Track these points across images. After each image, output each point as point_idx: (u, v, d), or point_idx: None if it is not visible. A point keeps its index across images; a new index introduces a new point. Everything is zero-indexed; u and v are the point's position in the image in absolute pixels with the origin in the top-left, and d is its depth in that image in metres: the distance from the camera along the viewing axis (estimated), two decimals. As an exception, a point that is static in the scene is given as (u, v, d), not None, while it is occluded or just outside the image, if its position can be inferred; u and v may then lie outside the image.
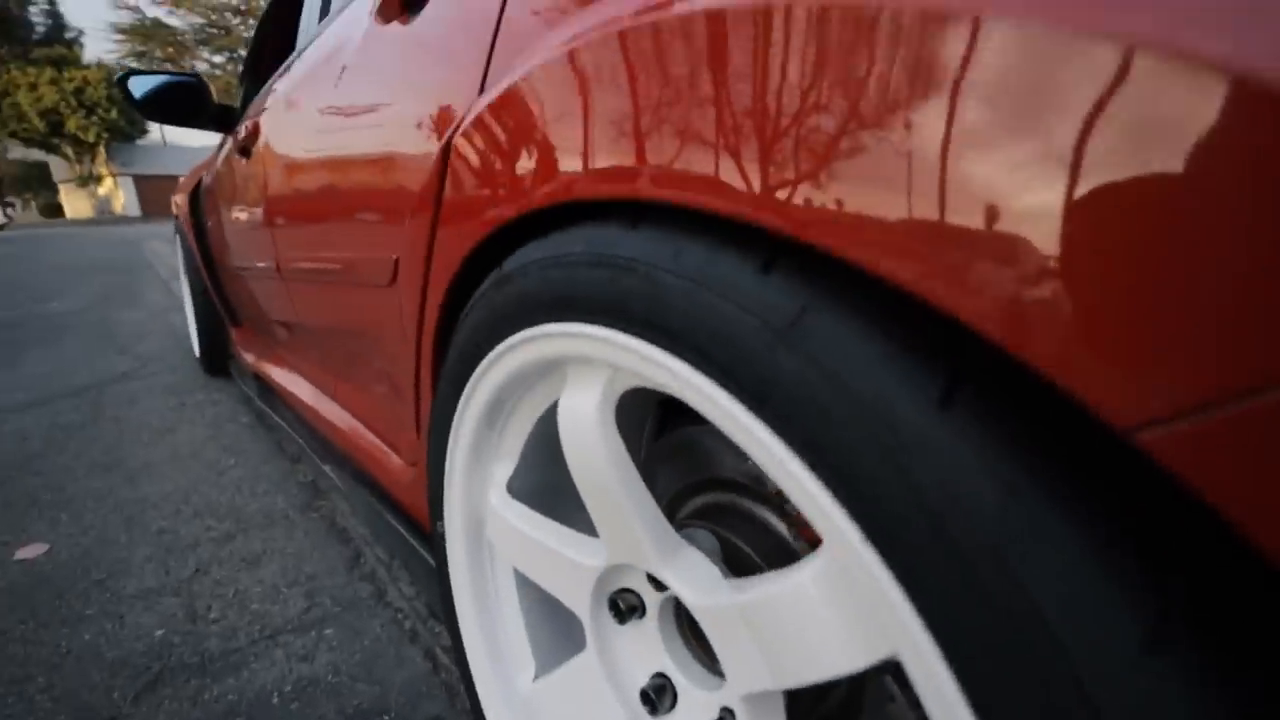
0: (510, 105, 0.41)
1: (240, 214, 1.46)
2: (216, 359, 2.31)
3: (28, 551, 1.16)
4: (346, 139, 0.78)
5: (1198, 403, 0.16)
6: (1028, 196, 0.18)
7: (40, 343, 2.99)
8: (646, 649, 0.47)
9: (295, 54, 1.17)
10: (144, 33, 18.44)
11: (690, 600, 0.37)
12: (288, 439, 1.67)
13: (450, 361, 0.50)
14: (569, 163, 0.37)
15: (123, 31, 19.63)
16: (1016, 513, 0.20)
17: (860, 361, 0.24)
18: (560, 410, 0.41)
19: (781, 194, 0.25)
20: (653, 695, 0.44)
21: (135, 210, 27.09)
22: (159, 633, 0.93)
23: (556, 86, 0.38)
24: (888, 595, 0.23)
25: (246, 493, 1.39)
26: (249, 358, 1.83)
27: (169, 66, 19.04)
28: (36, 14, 26.61)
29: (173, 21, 17.16)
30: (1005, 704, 0.21)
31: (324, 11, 1.13)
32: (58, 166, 28.42)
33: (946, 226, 0.20)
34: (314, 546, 1.16)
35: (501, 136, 0.42)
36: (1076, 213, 0.18)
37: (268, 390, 1.70)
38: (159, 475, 1.48)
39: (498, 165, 0.43)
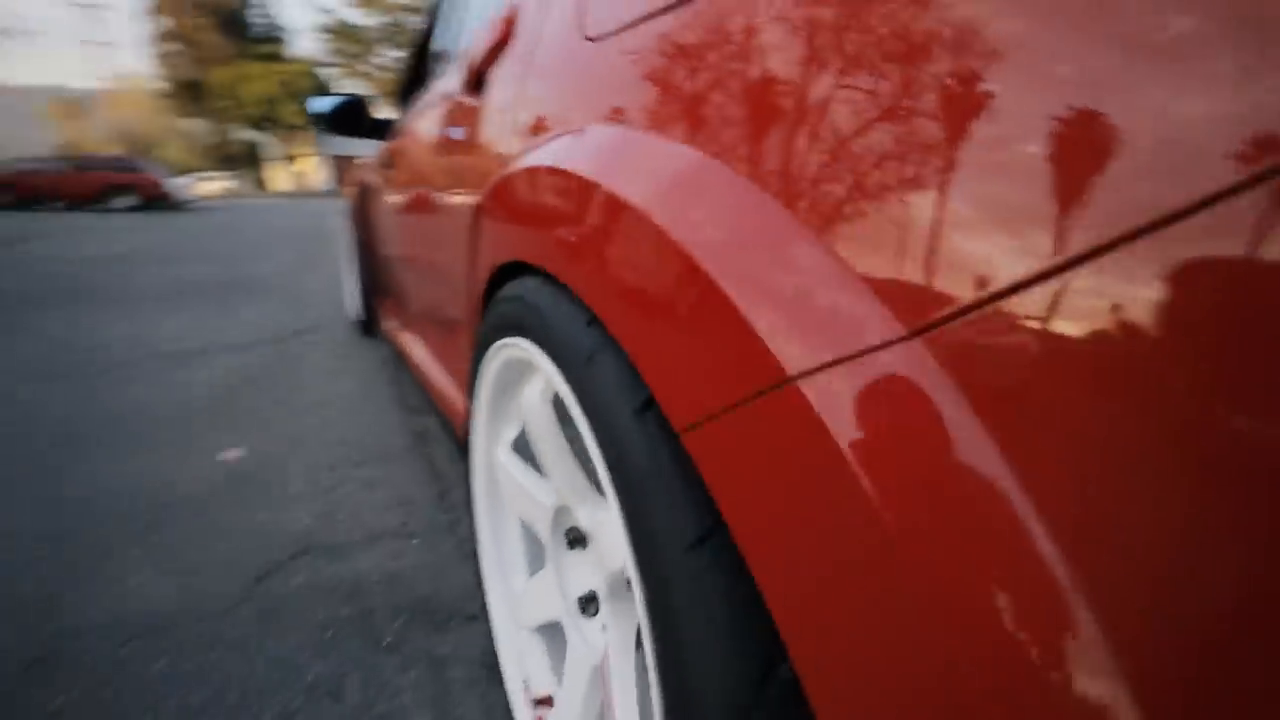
0: (502, 190, 0.62)
1: (382, 210, 1.82)
2: (369, 324, 2.81)
3: (229, 455, 1.60)
4: (439, 176, 1.04)
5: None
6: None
7: (250, 299, 3.75)
8: (585, 571, 0.66)
9: (423, 90, 1.46)
10: (335, 32, 21.31)
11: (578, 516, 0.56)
12: (409, 394, 2.05)
13: (475, 349, 0.73)
14: (515, 235, 0.57)
15: (321, 31, 22.82)
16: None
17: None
18: (524, 396, 0.62)
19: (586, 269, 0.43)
20: (584, 603, 0.64)
21: (327, 185, 31.29)
22: (305, 523, 1.28)
23: (517, 190, 0.58)
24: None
25: (375, 433, 1.76)
26: (390, 324, 2.25)
27: (354, 63, 21.83)
28: (256, 16, 31.46)
29: (360, 21, 19.66)
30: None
31: (446, 58, 1.41)
32: (269, 146, 33.53)
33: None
34: (415, 481, 1.48)
35: (499, 207, 0.63)
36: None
37: (400, 353, 2.09)
38: (318, 411, 1.91)
39: (495, 226, 0.64)
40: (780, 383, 0.28)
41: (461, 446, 1.19)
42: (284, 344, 2.72)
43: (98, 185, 13.49)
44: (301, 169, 33.16)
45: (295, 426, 1.80)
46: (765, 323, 0.29)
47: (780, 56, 0.33)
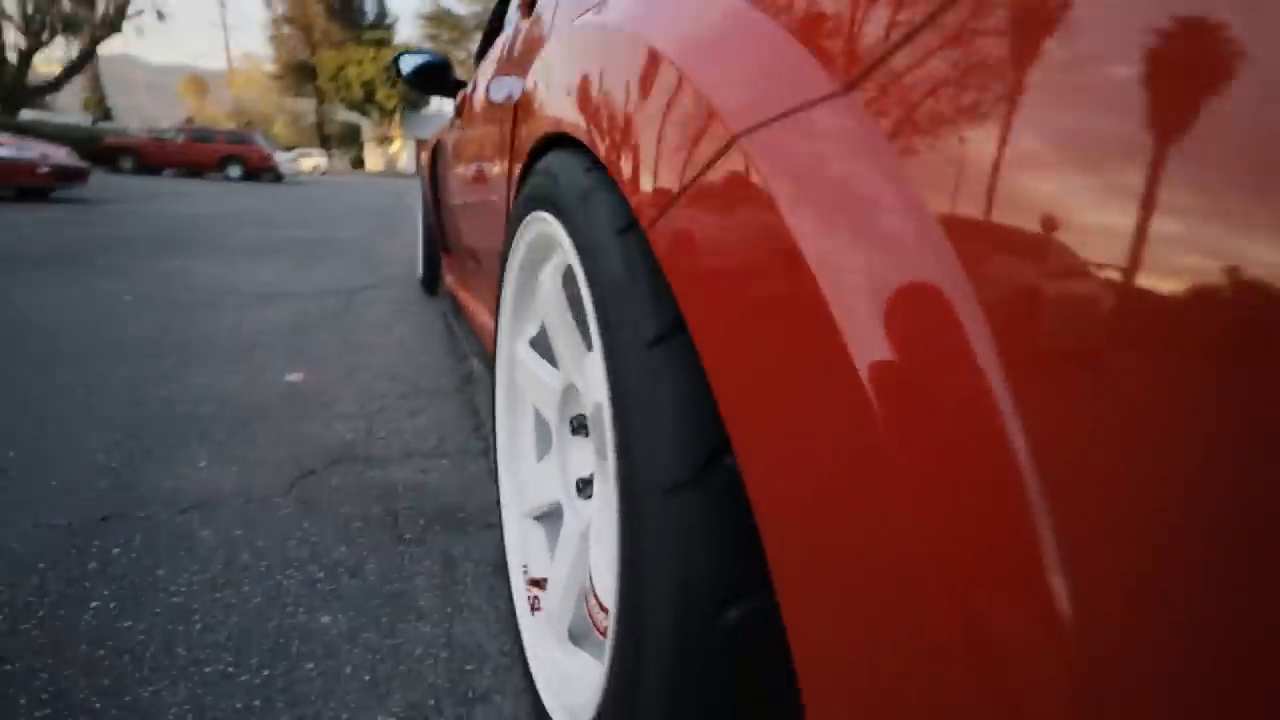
0: (528, 100, 0.65)
1: (453, 162, 1.91)
2: (431, 282, 2.95)
3: (294, 377, 1.72)
4: (490, 105, 1.08)
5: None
6: None
7: (329, 258, 4.01)
8: (585, 455, 0.68)
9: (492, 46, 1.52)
10: (436, 19, 22.40)
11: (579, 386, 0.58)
12: (460, 344, 2.14)
13: (505, 239, 0.76)
14: (542, 113, 0.59)
15: (423, 18, 24.01)
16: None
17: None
18: (541, 279, 0.64)
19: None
20: (581, 485, 0.66)
21: (411, 168, 32.93)
22: (349, 436, 1.37)
23: (554, 72, 0.60)
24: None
25: (425, 373, 1.85)
26: (449, 279, 2.35)
27: (451, 49, 22.86)
28: (368, 2, 33.44)
29: (458, 9, 20.65)
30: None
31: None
32: (365, 128, 35.57)
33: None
34: (455, 415, 1.55)
35: (532, 93, 0.66)
36: None
37: (457, 305, 2.18)
38: (377, 351, 2.02)
39: (528, 112, 0.67)
40: (726, 144, 0.29)
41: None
42: (354, 295, 2.89)
43: (212, 156, 14.78)
44: (393, 151, 34.96)
45: (353, 359, 1.91)
46: (716, 93, 0.30)
47: None
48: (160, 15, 24.21)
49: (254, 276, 3.17)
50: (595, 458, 0.60)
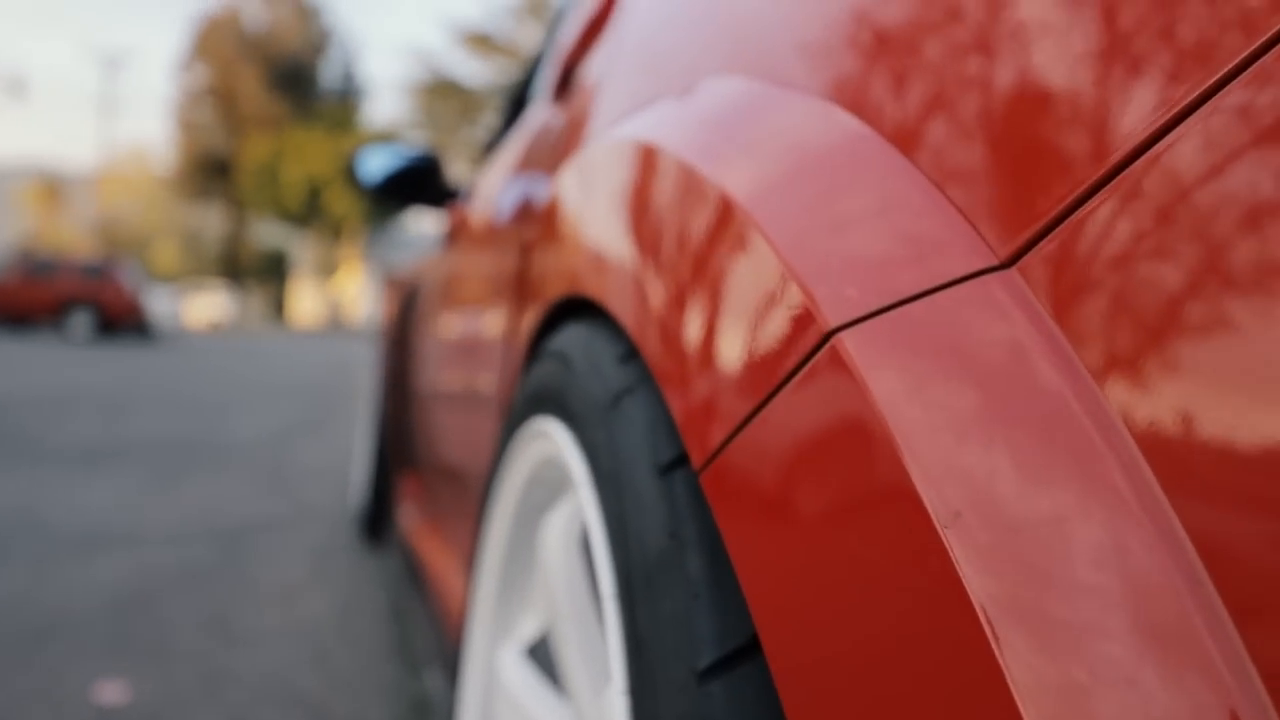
0: (543, 228, 0.76)
1: (431, 320, 2.11)
2: (376, 520, 3.11)
3: (111, 692, 1.79)
4: (491, 228, 1.24)
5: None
6: None
7: (208, 469, 4.32)
8: None
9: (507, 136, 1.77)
10: (435, 91, 26.07)
11: None
12: (411, 636, 2.18)
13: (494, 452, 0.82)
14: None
15: (416, 90, 27.93)
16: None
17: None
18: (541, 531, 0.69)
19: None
20: None
21: (369, 317, 36.13)
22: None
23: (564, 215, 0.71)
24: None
25: (345, 693, 1.87)
26: (407, 518, 2.46)
27: (457, 130, 26.21)
28: (329, 69, 39.57)
29: (466, 74, 24.04)
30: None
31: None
32: (298, 251, 39.96)
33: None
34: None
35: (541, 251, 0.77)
36: None
37: (416, 565, 2.26)
38: (266, 644, 2.09)
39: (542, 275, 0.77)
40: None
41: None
42: (239, 539, 3.06)
43: (51, 299, 16.74)
44: (339, 290, 38.63)
45: (220, 661, 1.98)
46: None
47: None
48: (19, 87, 29.39)
49: (76, 501, 3.44)
50: None
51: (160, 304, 17.80)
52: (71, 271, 17.50)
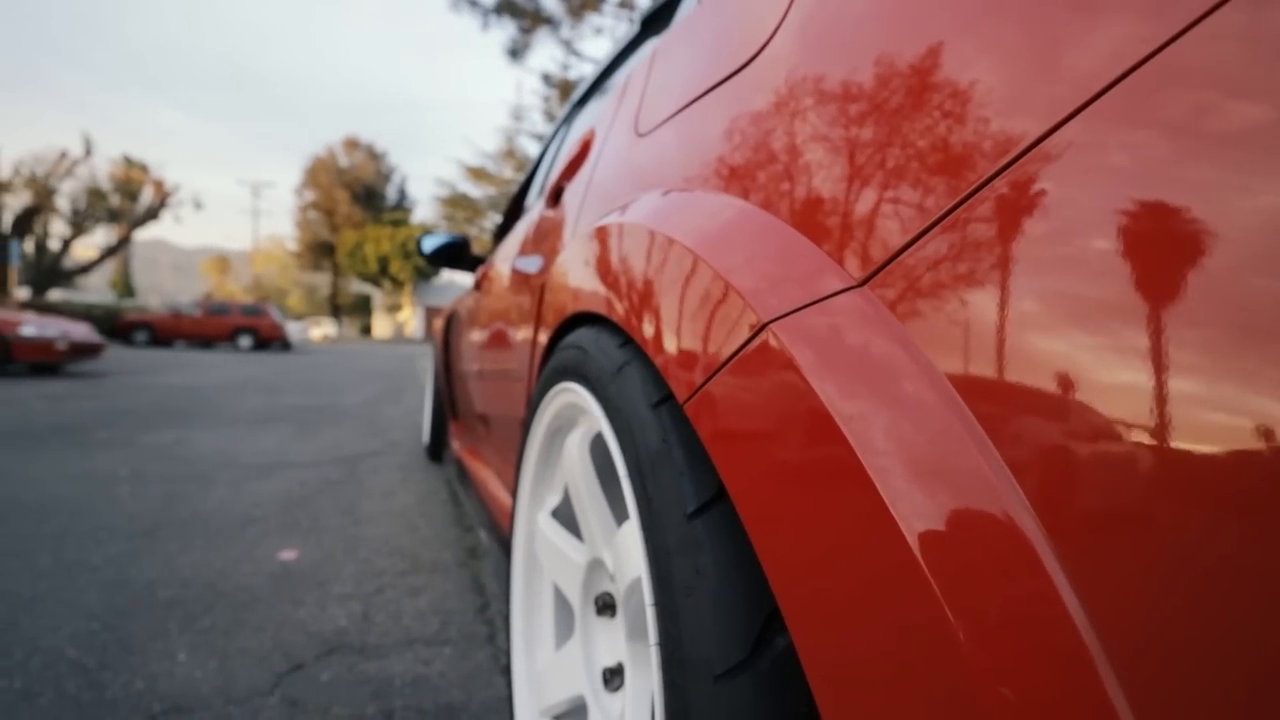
0: (556, 268, 0.74)
1: (468, 331, 2.05)
2: (437, 449, 3.00)
3: (287, 555, 1.69)
4: (514, 280, 1.20)
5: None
6: None
7: (332, 425, 4.11)
8: (612, 640, 0.66)
9: (515, 225, 1.73)
10: (452, 202, 25.34)
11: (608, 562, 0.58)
12: (464, 514, 2.12)
13: (529, 408, 0.80)
14: (569, 292, 0.67)
15: (440, 200, 27.14)
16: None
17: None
18: (566, 446, 0.68)
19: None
20: (609, 676, 0.63)
21: (420, 333, 34.95)
22: (343, 622, 1.31)
23: (585, 257, 0.69)
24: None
25: (427, 546, 1.81)
26: (456, 445, 2.39)
27: (466, 226, 25.52)
28: (391, 189, 38.06)
29: (473, 193, 23.44)
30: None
31: (537, 198, 1.68)
32: (377, 297, 38.43)
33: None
34: (459, 593, 1.49)
35: (559, 273, 0.75)
36: None
37: (463, 471, 2.20)
38: (377, 523, 2.00)
39: (554, 290, 0.75)
40: (757, 329, 0.34)
41: (507, 546, 1.22)
42: (357, 463, 2.92)
43: (225, 327, 15.86)
44: (401, 318, 37.34)
45: (352, 533, 1.89)
46: (744, 286, 0.36)
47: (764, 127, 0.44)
48: (198, 205, 27.50)
49: (254, 446, 3.23)
50: (627, 643, 0.58)
51: (294, 331, 16.91)
52: (237, 310, 16.59)
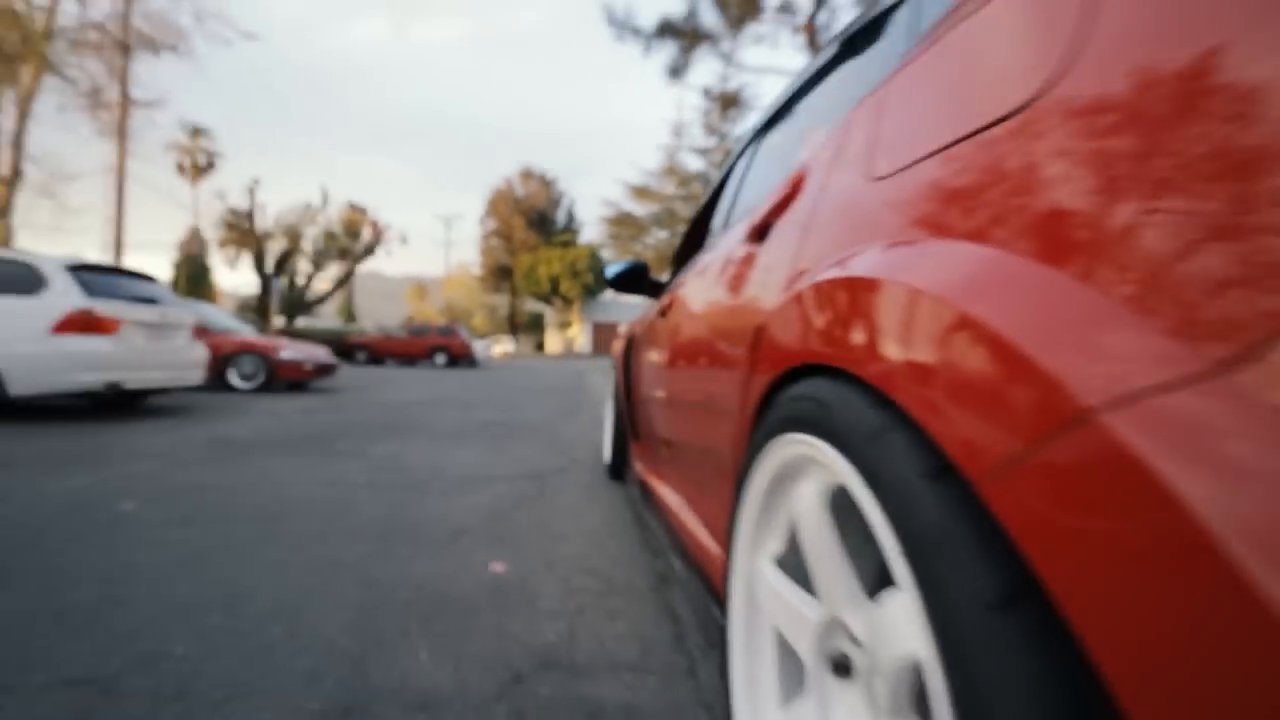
0: (791, 304, 0.74)
1: (652, 355, 2.13)
2: (619, 468, 3.15)
3: (498, 567, 1.88)
4: (714, 313, 1.23)
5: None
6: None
7: (520, 441, 4.50)
8: (853, 710, 0.64)
9: (702, 252, 1.77)
10: (617, 221, 26.73)
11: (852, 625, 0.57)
12: (651, 537, 2.19)
13: (746, 455, 0.81)
14: (802, 341, 0.67)
15: (606, 220, 28.85)
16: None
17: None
18: (796, 497, 0.67)
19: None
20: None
21: (588, 348, 37.16)
22: (552, 638, 1.42)
23: (807, 301, 0.68)
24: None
25: (619, 567, 1.91)
26: (639, 465, 2.49)
27: (630, 244, 26.81)
28: (561, 213, 41.22)
29: (636, 211, 24.51)
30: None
31: (725, 226, 1.70)
32: (548, 315, 41.69)
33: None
34: (653, 620, 1.55)
35: (786, 320, 0.75)
36: None
37: (647, 492, 2.29)
38: (570, 540, 2.15)
39: (780, 337, 0.75)
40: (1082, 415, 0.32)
41: (708, 586, 1.24)
42: (545, 479, 3.17)
43: (424, 346, 18.33)
44: (571, 334, 40.01)
45: (550, 550, 2.05)
46: (1062, 365, 0.34)
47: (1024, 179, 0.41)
48: (403, 239, 32.07)
49: (458, 459, 3.65)
50: (873, 714, 0.56)
51: (479, 348, 19.09)
52: (434, 331, 19.09)
